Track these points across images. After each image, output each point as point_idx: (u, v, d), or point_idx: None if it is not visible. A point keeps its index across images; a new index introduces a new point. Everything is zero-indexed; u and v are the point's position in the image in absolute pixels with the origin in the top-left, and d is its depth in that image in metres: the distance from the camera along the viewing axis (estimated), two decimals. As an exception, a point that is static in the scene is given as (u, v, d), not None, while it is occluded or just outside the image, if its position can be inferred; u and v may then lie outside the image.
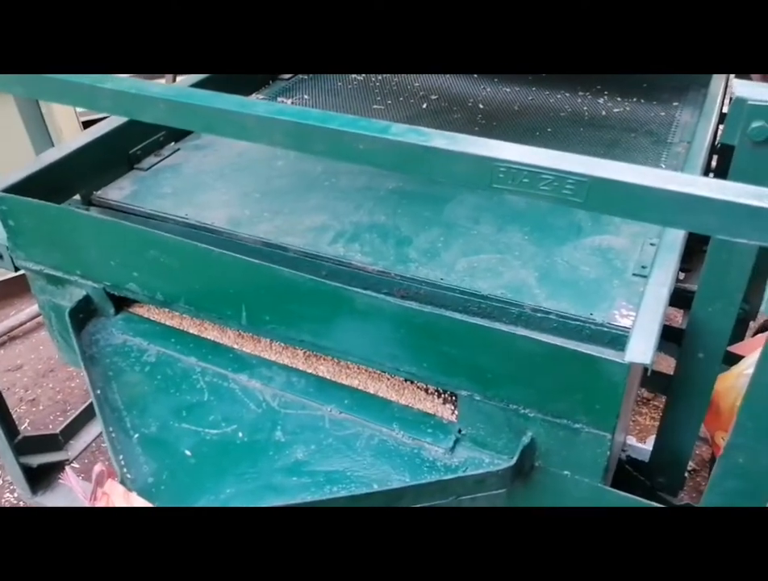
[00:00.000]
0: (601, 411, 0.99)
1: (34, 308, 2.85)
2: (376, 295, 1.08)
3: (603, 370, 0.94)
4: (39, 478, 1.73)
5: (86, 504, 1.03)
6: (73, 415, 1.91)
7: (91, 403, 2.00)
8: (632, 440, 1.25)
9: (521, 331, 1.09)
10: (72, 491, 1.52)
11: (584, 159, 0.69)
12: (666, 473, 1.25)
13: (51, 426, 2.37)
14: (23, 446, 1.69)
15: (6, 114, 2.38)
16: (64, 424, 1.88)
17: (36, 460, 1.71)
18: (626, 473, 1.28)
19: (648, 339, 0.95)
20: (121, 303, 1.40)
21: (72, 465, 1.79)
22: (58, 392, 2.54)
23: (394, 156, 0.75)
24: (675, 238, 1.16)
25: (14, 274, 2.82)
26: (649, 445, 1.38)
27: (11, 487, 2.14)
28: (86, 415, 1.98)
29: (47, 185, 1.40)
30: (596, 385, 0.96)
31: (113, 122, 1.58)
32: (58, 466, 1.79)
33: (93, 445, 1.95)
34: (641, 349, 0.94)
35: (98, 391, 1.24)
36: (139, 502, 1.02)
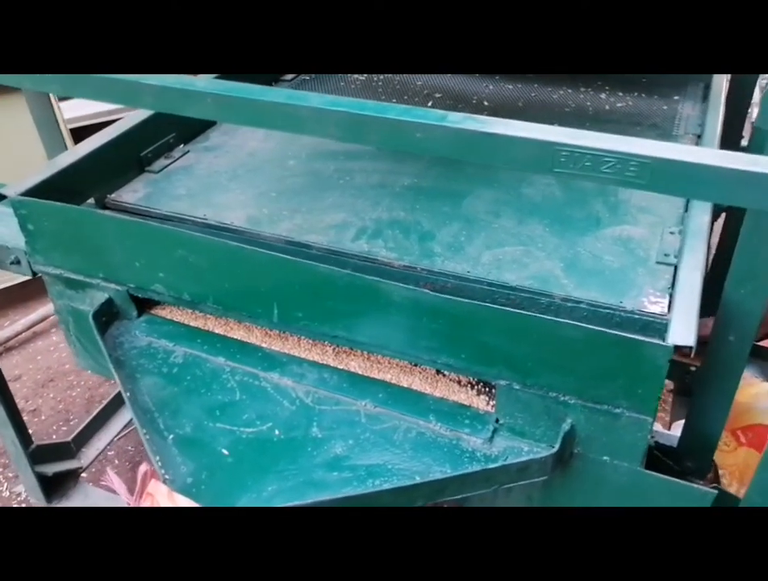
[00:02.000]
0: (642, 395, 1.00)
1: (29, 318, 2.82)
2: (414, 288, 1.08)
3: (647, 354, 0.96)
4: (54, 486, 1.71)
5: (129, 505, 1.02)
6: (83, 424, 1.89)
7: (100, 411, 1.99)
8: (657, 427, 1.27)
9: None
10: (89, 498, 1.51)
11: (645, 142, 0.70)
12: (695, 457, 1.26)
13: (54, 436, 2.34)
14: (37, 455, 1.67)
15: (18, 118, 2.37)
16: (76, 432, 1.85)
17: (51, 469, 1.69)
18: (655, 458, 1.29)
19: (689, 321, 0.97)
20: (143, 306, 1.39)
21: (87, 471, 1.77)
22: (59, 402, 2.51)
23: (454, 144, 0.76)
24: (701, 225, 1.19)
25: (8, 284, 2.81)
26: (674, 432, 1.40)
27: (18, 499, 2.10)
28: (95, 423, 1.97)
29: (62, 189, 1.39)
30: (639, 369, 0.98)
31: (123, 125, 1.57)
32: (72, 475, 1.76)
33: (105, 452, 1.93)
34: (684, 332, 0.95)
35: (129, 395, 1.22)
36: (183, 502, 1.02)
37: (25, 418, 2.40)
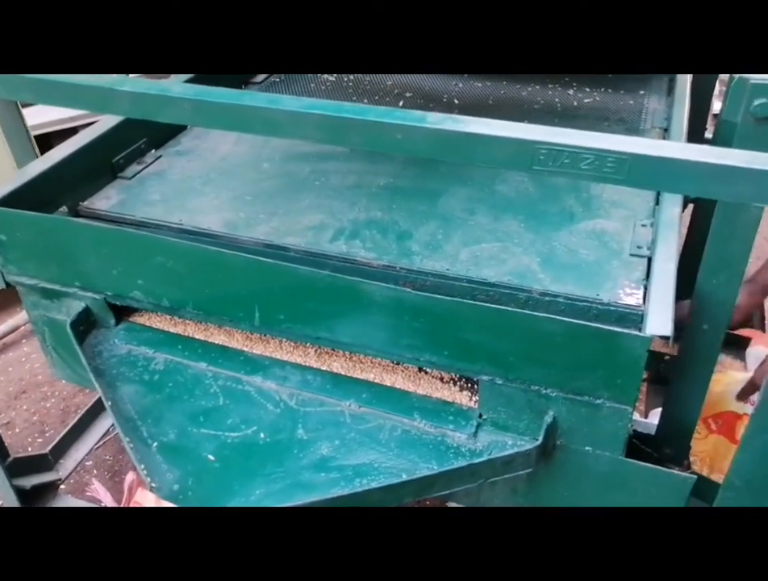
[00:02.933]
0: (622, 386, 1.02)
1: (10, 323, 2.77)
2: (394, 287, 1.09)
3: (625, 345, 0.98)
4: (33, 499, 1.68)
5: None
6: (60, 435, 1.86)
7: (77, 421, 1.96)
8: (635, 416, 1.30)
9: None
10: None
11: (623, 138, 0.72)
12: (673, 444, 1.29)
13: (30, 448, 2.30)
14: (15, 468, 1.64)
15: None
16: (52, 443, 1.82)
17: (29, 481, 1.66)
18: (634, 446, 1.32)
19: (665, 312, 0.99)
20: (121, 313, 1.38)
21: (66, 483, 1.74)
22: (33, 413, 2.47)
23: (435, 144, 0.77)
24: (672, 217, 1.21)
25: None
26: (651, 420, 1.44)
27: (-5, 514, 2.06)
28: (72, 434, 1.93)
29: (34, 197, 1.37)
30: (618, 360, 1.00)
31: (93, 131, 1.56)
32: (51, 487, 1.74)
33: (84, 462, 1.90)
34: (660, 322, 0.98)
35: (110, 404, 1.21)
36: (171, 509, 1.01)
37: (-1, 432, 2.38)
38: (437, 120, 0.77)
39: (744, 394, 1.42)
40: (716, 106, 2.62)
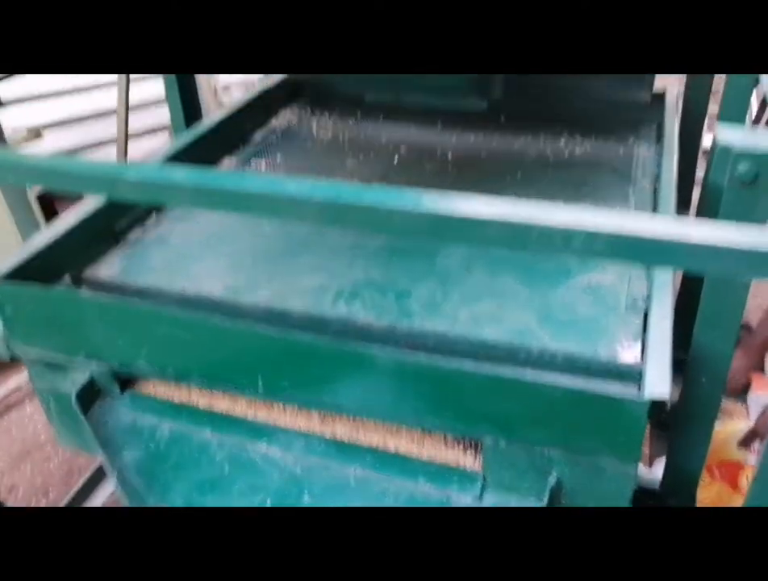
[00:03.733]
0: (624, 446, 1.03)
1: (1, 391, 2.77)
2: (398, 353, 1.10)
3: (624, 408, 0.99)
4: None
5: None
6: (65, 499, 1.86)
7: (81, 485, 1.96)
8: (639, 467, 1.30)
9: (537, 374, 1.15)
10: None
11: (613, 215, 0.74)
12: (678, 496, 1.30)
13: (34, 511, 2.29)
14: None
15: None
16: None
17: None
18: (638, 499, 1.32)
19: (662, 375, 1.01)
20: (126, 382, 1.39)
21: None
22: (37, 475, 2.46)
23: (430, 227, 0.79)
24: (665, 272, 1.24)
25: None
26: (655, 469, 1.44)
27: None
28: (77, 498, 1.94)
29: (38, 269, 1.40)
30: (618, 422, 1.01)
31: (96, 199, 1.58)
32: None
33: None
34: (658, 386, 0.99)
35: (116, 474, 1.22)
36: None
37: (2, 496, 2.37)
38: (433, 201, 0.80)
39: (746, 442, 1.43)
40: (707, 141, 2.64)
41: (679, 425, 1.25)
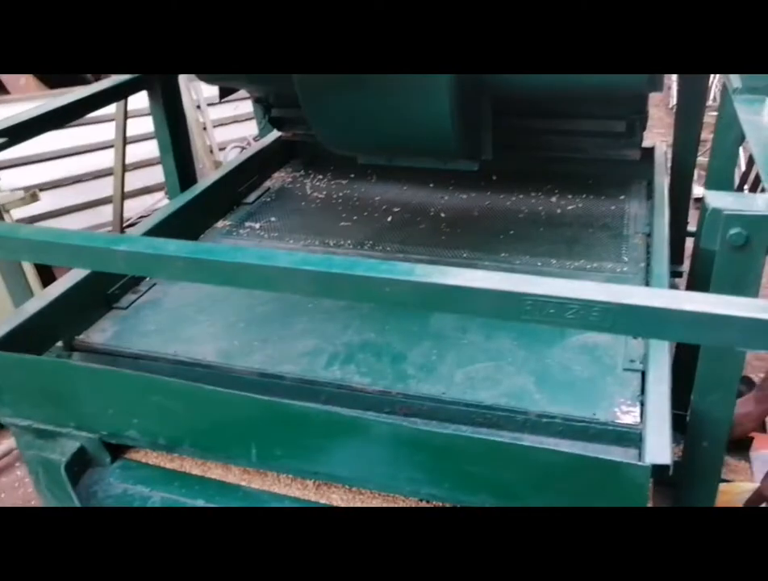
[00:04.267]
0: (628, 512, 1.01)
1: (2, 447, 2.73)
2: (393, 421, 1.09)
3: (626, 475, 0.97)
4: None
5: None
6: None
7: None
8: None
9: (535, 439, 1.13)
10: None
11: (606, 287, 0.74)
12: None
13: None
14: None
15: None
16: None
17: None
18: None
19: (662, 440, 1.00)
20: (116, 451, 1.36)
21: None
22: (26, 543, 2.39)
23: (422, 297, 0.79)
24: (662, 333, 1.23)
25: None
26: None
27: None
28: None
29: (30, 336, 1.38)
30: (620, 488, 0.99)
31: (89, 264, 1.58)
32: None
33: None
34: (659, 451, 0.98)
35: (105, 549, 1.18)
36: None
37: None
38: (424, 273, 0.79)
39: (750, 505, 1.40)
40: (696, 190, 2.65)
41: (683, 486, 1.23)
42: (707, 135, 2.20)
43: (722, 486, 1.46)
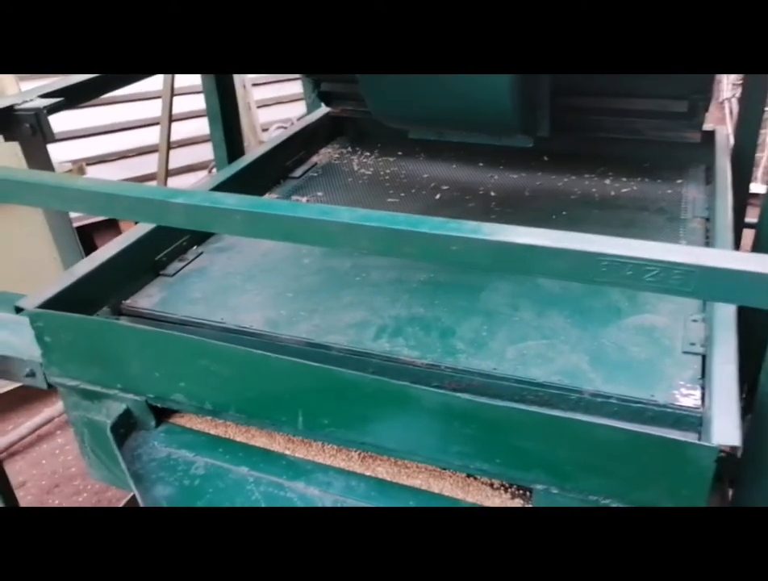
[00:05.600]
0: (689, 498, 0.96)
1: (34, 421, 2.76)
2: (444, 392, 1.06)
3: (690, 456, 0.93)
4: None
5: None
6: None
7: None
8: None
9: (590, 418, 1.09)
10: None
11: (688, 248, 0.70)
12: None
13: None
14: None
15: (33, 226, 2.41)
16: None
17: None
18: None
19: (732, 419, 0.95)
20: (162, 415, 1.36)
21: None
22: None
23: (492, 257, 0.75)
24: (728, 314, 1.18)
25: (10, 388, 2.77)
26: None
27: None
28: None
29: (79, 298, 1.38)
30: (683, 471, 0.94)
31: (137, 231, 1.58)
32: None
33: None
34: (729, 431, 0.93)
35: (149, 510, 1.18)
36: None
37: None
38: (492, 231, 0.76)
39: None
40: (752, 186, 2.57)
41: (744, 481, 1.17)
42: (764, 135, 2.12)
43: None
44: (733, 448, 0.91)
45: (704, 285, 0.68)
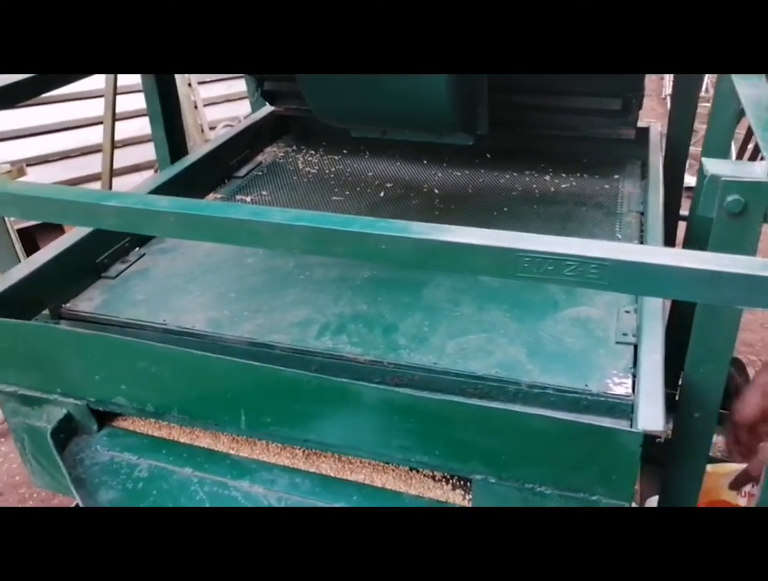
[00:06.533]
0: (617, 482, 1.00)
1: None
2: (384, 387, 1.08)
3: (618, 441, 0.97)
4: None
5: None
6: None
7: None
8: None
9: (526, 409, 1.12)
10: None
11: (605, 244, 0.73)
12: (672, 535, 1.26)
13: (6, 556, 2.20)
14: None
15: None
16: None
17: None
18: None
19: (655, 407, 0.99)
20: (104, 418, 1.35)
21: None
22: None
23: (419, 254, 0.77)
24: (656, 305, 1.22)
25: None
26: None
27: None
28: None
29: (16, 303, 1.36)
30: (611, 456, 0.98)
31: (78, 233, 1.56)
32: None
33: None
34: (652, 418, 0.97)
35: (91, 515, 1.17)
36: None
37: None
38: (420, 230, 0.78)
39: (737, 484, 1.40)
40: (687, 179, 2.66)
41: (672, 461, 1.23)
42: (698, 125, 2.19)
43: (710, 467, 1.46)
44: (657, 432, 0.95)
45: (617, 278, 0.71)
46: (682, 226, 2.25)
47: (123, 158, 3.97)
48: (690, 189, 2.47)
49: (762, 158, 0.99)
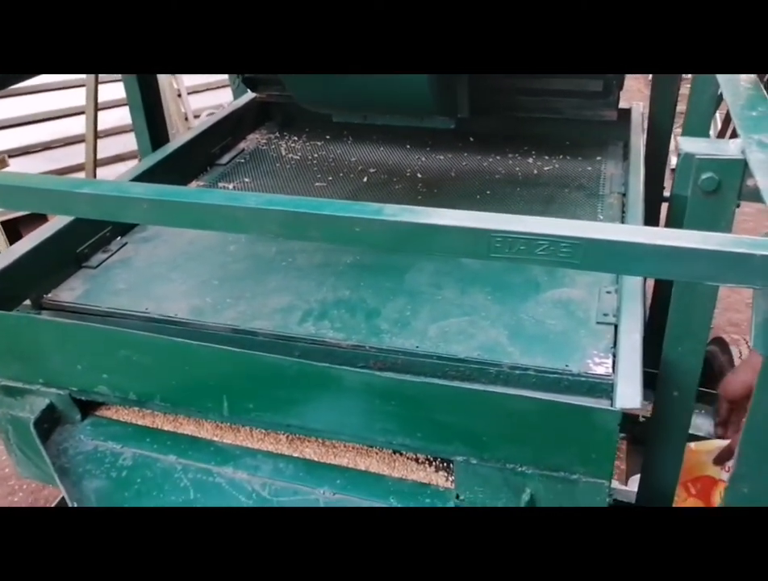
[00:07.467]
0: (597, 460, 1.01)
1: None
2: (364, 371, 1.08)
3: (596, 420, 0.97)
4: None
5: None
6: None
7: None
8: (614, 483, 1.28)
9: (507, 390, 1.13)
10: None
11: (576, 223, 0.73)
12: (654, 511, 1.28)
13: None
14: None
15: None
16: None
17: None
18: (615, 516, 1.30)
19: (633, 386, 1.00)
20: (87, 408, 1.34)
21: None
22: None
23: (392, 237, 0.78)
24: (635, 286, 1.23)
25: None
26: (631, 487, 1.42)
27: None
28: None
29: (-3, 293, 1.36)
30: (590, 435, 0.99)
31: (58, 222, 1.55)
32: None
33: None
34: (629, 396, 0.98)
35: (76, 504, 1.17)
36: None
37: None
38: (394, 212, 0.78)
39: (720, 460, 1.42)
40: (674, 161, 2.67)
41: (652, 439, 1.24)
42: (681, 107, 2.19)
43: (694, 444, 1.48)
44: (635, 410, 0.96)
45: (588, 257, 0.72)
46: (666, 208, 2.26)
47: (105, 148, 3.94)
48: (674, 171, 2.48)
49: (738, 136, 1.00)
